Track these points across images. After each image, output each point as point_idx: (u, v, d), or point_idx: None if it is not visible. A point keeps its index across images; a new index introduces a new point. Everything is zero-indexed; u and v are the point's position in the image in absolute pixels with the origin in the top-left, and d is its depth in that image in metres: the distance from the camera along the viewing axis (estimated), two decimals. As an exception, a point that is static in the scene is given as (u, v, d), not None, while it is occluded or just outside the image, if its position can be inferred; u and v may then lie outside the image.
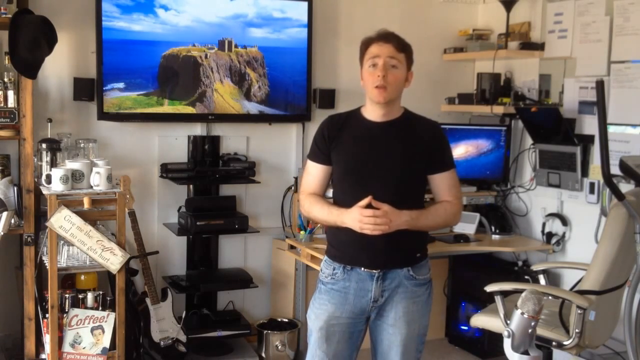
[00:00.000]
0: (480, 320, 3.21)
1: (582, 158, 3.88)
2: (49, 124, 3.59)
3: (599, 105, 2.79)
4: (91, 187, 3.26)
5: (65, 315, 3.29)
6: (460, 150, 4.40)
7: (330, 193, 2.59)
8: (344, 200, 2.47)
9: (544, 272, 3.42)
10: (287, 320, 4.13)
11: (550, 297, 2.91)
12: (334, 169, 2.53)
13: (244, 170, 4.06)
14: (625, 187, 3.13)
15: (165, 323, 3.67)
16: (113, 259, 3.26)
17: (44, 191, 3.24)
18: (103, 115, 3.79)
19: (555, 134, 3.97)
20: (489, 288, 3.01)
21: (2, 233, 3.25)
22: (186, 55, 3.93)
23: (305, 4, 4.17)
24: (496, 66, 4.35)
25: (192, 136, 4.09)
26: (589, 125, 3.87)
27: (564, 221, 4.08)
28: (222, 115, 4.07)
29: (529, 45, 4.23)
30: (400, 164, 2.45)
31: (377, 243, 2.39)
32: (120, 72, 3.79)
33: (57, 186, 3.19)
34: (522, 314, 1.94)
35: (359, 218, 2.35)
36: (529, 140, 4.26)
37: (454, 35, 4.70)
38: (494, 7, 4.49)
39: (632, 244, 2.84)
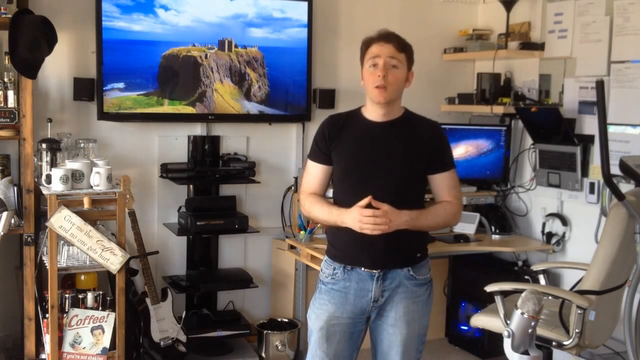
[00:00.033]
0: (480, 320, 3.21)
1: (582, 158, 3.88)
2: (49, 124, 3.59)
3: (599, 105, 2.79)
4: (91, 187, 3.26)
5: (65, 315, 3.29)
6: (460, 150, 4.40)
7: (330, 193, 2.59)
8: (344, 200, 2.47)
9: (544, 272, 3.42)
10: (287, 320, 4.13)
11: (550, 297, 2.91)
12: (334, 168, 2.53)
13: (244, 170, 4.06)
14: (625, 187, 3.13)
15: (165, 323, 3.67)
16: (113, 259, 3.26)
17: (44, 191, 3.24)
18: (103, 115, 3.79)
19: (555, 134, 3.97)
20: (489, 288, 3.01)
21: (2, 233, 3.25)
22: (186, 55, 3.93)
23: (305, 4, 4.17)
24: (496, 66, 4.35)
25: (192, 136, 4.09)
26: (589, 125, 3.87)
27: (564, 221, 4.08)
28: (222, 115, 4.07)
29: (529, 45, 4.23)
30: (400, 164, 2.45)
31: (378, 243, 2.39)
32: (120, 72, 3.79)
33: (57, 186, 3.19)
34: (522, 314, 1.94)
35: (358, 218, 2.35)
36: (529, 140, 4.26)
37: (454, 35, 4.70)
38: (494, 7, 4.49)
39: (632, 244, 2.84)
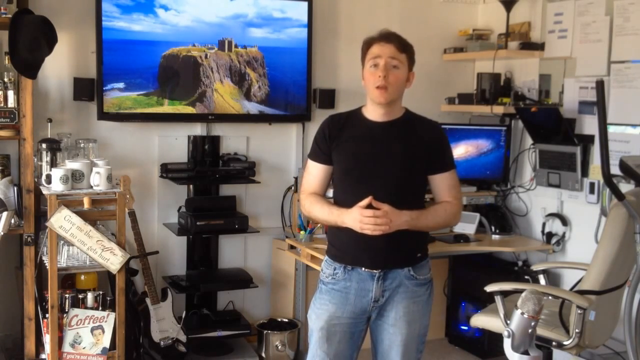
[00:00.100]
0: (480, 320, 3.21)
1: (582, 158, 3.88)
2: (49, 124, 3.59)
3: (599, 105, 2.79)
4: (91, 187, 3.26)
5: (65, 315, 3.29)
6: (460, 150, 4.40)
7: (330, 193, 2.59)
8: (344, 200, 2.47)
9: (544, 272, 3.42)
10: (287, 320, 4.13)
11: (550, 297, 2.91)
12: (335, 168, 2.53)
13: (244, 170, 4.06)
14: (625, 187, 3.13)
15: (165, 323, 3.67)
16: (113, 259, 3.26)
17: (44, 191, 3.24)
18: (103, 115, 3.79)
19: (555, 134, 3.97)
20: (489, 288, 3.01)
21: (2, 233, 3.25)
22: (186, 55, 3.93)
23: (305, 4, 4.17)
24: (496, 66, 4.35)
25: (192, 136, 4.09)
26: (589, 125, 3.87)
27: (564, 221, 4.08)
28: (222, 115, 4.07)
29: (529, 45, 4.23)
30: (400, 164, 2.45)
31: (378, 243, 2.39)
32: (120, 72, 3.79)
33: (57, 186, 3.19)
34: (522, 314, 1.94)
35: (359, 218, 2.35)
36: (529, 140, 4.27)
37: (454, 35, 4.71)
38: (494, 7, 4.49)
39: (632, 244, 2.84)
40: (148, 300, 3.64)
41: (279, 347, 3.95)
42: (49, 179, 3.24)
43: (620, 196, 2.82)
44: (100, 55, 3.73)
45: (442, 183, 2.52)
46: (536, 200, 4.30)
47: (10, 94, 3.37)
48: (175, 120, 4.02)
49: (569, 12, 4.03)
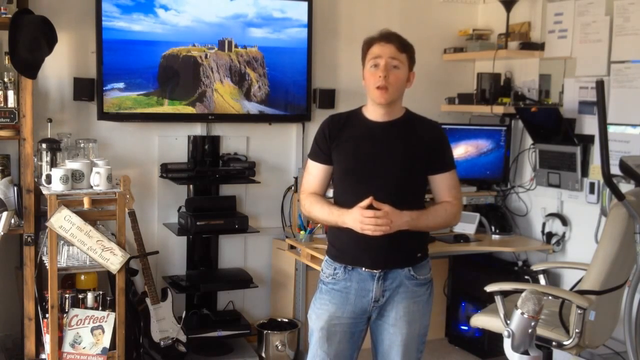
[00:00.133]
0: (480, 320, 3.21)
1: (582, 158, 3.88)
2: (49, 124, 3.59)
3: (599, 105, 2.79)
4: (91, 187, 3.26)
5: (65, 315, 3.29)
6: (460, 150, 4.40)
7: (330, 193, 2.59)
8: (344, 200, 2.47)
9: (544, 272, 3.42)
10: (287, 320, 4.13)
11: (550, 297, 2.91)
12: (335, 168, 2.53)
13: (244, 170, 4.06)
14: (625, 187, 3.13)
15: (165, 323, 3.67)
16: (113, 259, 3.26)
17: (44, 191, 3.24)
18: (103, 115, 3.79)
19: (555, 134, 3.97)
20: (489, 288, 3.01)
21: (2, 233, 3.25)
22: (186, 55, 3.93)
23: (305, 4, 4.17)
24: (496, 66, 4.35)
25: (192, 136, 4.09)
26: (589, 125, 3.87)
27: (564, 221, 4.08)
28: (222, 115, 4.07)
29: (529, 45, 4.23)
30: (400, 164, 2.45)
31: (378, 243, 2.39)
32: (120, 72, 3.79)
33: (57, 186, 3.19)
34: (522, 314, 1.94)
35: (359, 219, 2.35)
36: (529, 140, 4.27)
37: (454, 35, 4.71)
38: (494, 7, 4.49)
39: (632, 244, 2.84)
40: (148, 300, 3.64)
41: (279, 347, 3.95)
42: (49, 179, 3.24)
43: (620, 196, 2.82)
44: (100, 55, 3.73)
45: (442, 183, 2.52)
46: (536, 200, 4.30)
47: (10, 94, 3.37)
48: (175, 120, 4.02)
49: (569, 12, 4.03)
